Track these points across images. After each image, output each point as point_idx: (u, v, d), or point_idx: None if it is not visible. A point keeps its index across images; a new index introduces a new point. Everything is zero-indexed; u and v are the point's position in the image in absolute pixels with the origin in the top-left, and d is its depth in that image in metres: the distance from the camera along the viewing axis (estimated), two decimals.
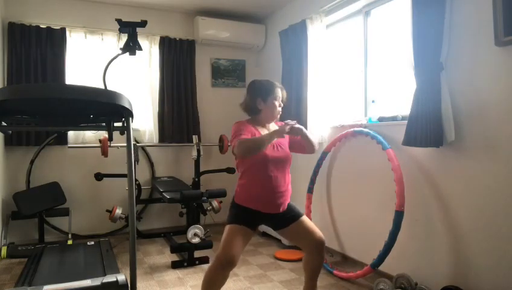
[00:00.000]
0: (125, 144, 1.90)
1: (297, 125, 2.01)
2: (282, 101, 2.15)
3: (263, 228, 4.01)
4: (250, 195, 2.04)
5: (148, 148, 4.25)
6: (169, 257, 3.36)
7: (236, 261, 1.93)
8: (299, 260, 3.12)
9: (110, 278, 1.95)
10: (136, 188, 3.83)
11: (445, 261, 2.35)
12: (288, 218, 2.09)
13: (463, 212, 2.25)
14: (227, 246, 1.93)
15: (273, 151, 2.04)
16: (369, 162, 2.94)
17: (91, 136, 3.89)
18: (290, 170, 2.19)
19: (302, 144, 2.15)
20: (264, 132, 2.10)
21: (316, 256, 2.12)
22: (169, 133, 4.22)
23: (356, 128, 3.01)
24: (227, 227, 2.02)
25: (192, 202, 3.36)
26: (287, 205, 2.11)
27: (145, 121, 4.17)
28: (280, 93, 2.13)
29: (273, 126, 2.18)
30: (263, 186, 2.02)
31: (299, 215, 2.11)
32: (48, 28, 3.73)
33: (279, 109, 2.13)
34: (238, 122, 2.10)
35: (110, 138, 2.06)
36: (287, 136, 2.15)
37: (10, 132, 3.09)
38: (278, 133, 1.95)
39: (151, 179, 4.27)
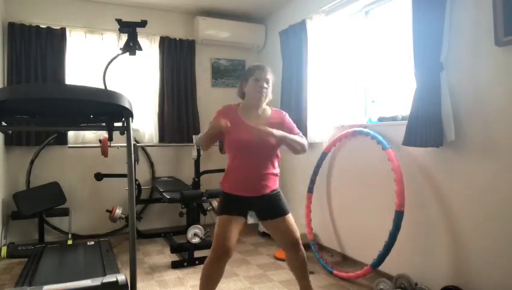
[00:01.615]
0: (125, 144, 1.91)
1: (268, 130, 1.95)
2: (266, 81, 2.08)
3: (263, 228, 4.01)
4: (230, 180, 2.09)
5: (148, 148, 4.24)
6: (169, 257, 3.36)
7: (231, 251, 1.97)
8: None
9: (110, 278, 1.95)
10: (136, 188, 3.83)
11: (445, 261, 2.35)
12: (275, 212, 2.09)
13: (463, 212, 2.25)
14: (221, 237, 1.97)
15: (250, 135, 1.99)
16: (369, 162, 2.94)
17: (91, 136, 3.89)
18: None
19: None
20: (251, 118, 2.07)
21: (293, 254, 2.13)
22: (169, 133, 4.22)
23: (356, 128, 3.01)
24: (218, 218, 2.06)
25: (192, 202, 3.36)
26: (269, 189, 2.08)
27: (145, 121, 4.18)
28: (260, 74, 2.08)
29: (262, 112, 2.13)
30: (241, 170, 2.05)
31: (284, 212, 2.10)
32: (48, 28, 3.73)
33: (260, 88, 2.05)
34: (221, 110, 2.14)
35: (110, 138, 2.06)
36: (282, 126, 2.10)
37: (10, 132, 3.09)
38: (214, 128, 1.98)
39: (151, 179, 4.27)
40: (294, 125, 2.17)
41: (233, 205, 2.07)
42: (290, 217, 2.11)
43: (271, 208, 2.09)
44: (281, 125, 2.10)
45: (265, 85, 2.07)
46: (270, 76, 2.11)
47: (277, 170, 2.14)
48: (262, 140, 2.00)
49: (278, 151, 2.13)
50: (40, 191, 3.62)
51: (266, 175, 2.07)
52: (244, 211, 2.10)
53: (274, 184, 2.12)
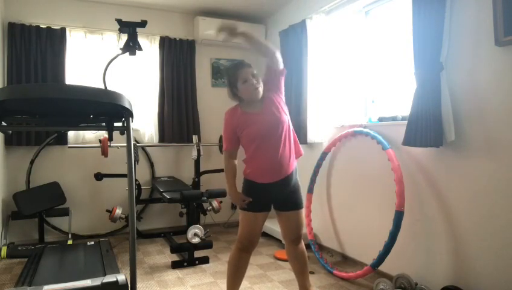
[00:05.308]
0: (125, 144, 1.91)
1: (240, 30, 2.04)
2: (253, 77, 2.05)
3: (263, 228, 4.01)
4: (254, 168, 2.10)
5: (148, 148, 4.25)
6: (169, 257, 3.36)
7: (257, 242, 2.16)
8: None
9: (110, 278, 1.95)
10: (136, 188, 3.83)
11: (445, 261, 2.35)
12: (292, 204, 2.15)
13: (463, 212, 2.25)
14: (247, 233, 2.12)
15: (262, 122, 2.05)
16: (369, 162, 2.94)
17: (91, 136, 3.89)
18: None
19: (268, 70, 2.15)
20: (256, 108, 2.09)
21: (294, 246, 2.22)
22: (169, 133, 4.22)
23: (356, 129, 3.01)
24: (243, 213, 2.13)
25: (192, 202, 3.36)
26: (290, 170, 2.10)
27: (145, 121, 4.18)
28: (242, 73, 2.05)
29: (261, 100, 2.13)
30: (263, 156, 2.06)
31: (300, 206, 2.17)
32: (48, 28, 3.73)
33: (252, 85, 2.04)
34: (227, 112, 2.16)
35: (110, 138, 2.06)
36: (274, 98, 2.12)
37: (10, 132, 3.09)
38: (234, 199, 2.16)
39: (151, 179, 4.27)
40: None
41: (257, 197, 2.10)
42: (302, 211, 2.20)
43: (290, 200, 2.14)
44: (274, 97, 2.12)
45: (255, 81, 2.06)
46: (251, 68, 2.09)
47: (291, 150, 2.14)
48: (273, 124, 2.04)
49: (294, 133, 2.17)
50: (40, 191, 3.62)
51: (286, 155, 2.08)
52: (268, 205, 2.15)
53: (293, 164, 2.13)
